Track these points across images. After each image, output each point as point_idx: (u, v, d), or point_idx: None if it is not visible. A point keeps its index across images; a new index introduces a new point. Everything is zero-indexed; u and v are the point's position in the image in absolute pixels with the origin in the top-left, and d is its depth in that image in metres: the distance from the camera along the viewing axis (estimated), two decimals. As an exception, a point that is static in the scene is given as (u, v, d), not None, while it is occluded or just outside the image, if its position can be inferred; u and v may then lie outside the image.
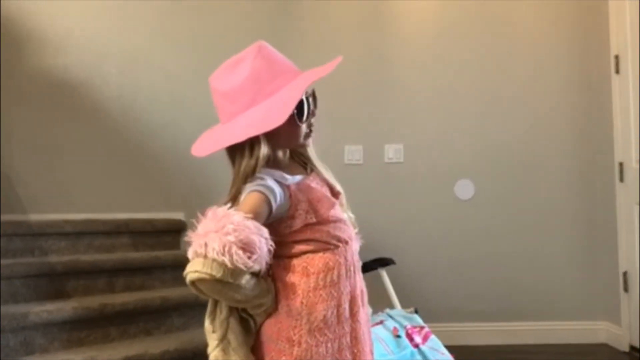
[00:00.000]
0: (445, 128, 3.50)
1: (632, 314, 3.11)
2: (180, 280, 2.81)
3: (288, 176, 1.30)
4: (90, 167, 3.34)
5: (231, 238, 1.08)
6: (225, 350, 1.27)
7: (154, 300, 2.55)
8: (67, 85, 3.37)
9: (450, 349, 2.22)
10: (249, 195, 1.21)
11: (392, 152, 3.49)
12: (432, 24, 3.57)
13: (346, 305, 1.30)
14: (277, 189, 1.24)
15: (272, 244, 1.16)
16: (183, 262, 3.11)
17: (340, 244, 1.33)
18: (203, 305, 2.65)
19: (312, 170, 1.42)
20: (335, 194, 1.40)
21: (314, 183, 1.36)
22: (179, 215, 3.25)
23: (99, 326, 2.35)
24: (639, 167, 3.07)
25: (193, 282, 1.13)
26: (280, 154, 1.37)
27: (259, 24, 3.50)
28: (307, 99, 1.33)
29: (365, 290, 1.39)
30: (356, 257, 1.39)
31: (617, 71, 3.23)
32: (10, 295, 2.32)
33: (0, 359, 2.06)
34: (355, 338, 1.31)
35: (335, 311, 1.28)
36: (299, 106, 1.30)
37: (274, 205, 1.22)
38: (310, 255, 1.30)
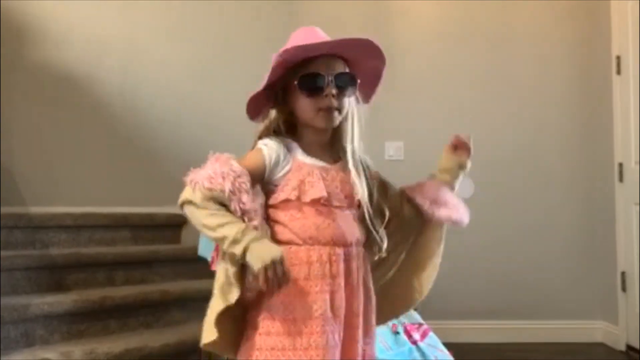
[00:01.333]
0: (445, 126, 3.49)
1: (630, 314, 3.12)
2: (180, 274, 2.83)
3: (301, 152, 1.36)
4: (91, 161, 3.34)
5: (203, 172, 1.29)
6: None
7: (153, 294, 2.56)
8: (68, 80, 3.37)
9: (449, 346, 2.23)
10: (252, 149, 1.36)
11: (393, 149, 3.49)
12: (434, 24, 3.58)
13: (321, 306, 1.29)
14: (279, 151, 1.33)
15: (246, 182, 1.26)
16: (183, 256, 3.13)
17: (316, 244, 1.31)
18: (203, 299, 2.65)
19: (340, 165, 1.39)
20: (350, 198, 1.36)
21: (325, 173, 1.35)
22: (178, 210, 3.25)
23: (99, 319, 2.37)
24: (639, 168, 3.08)
25: (182, 207, 1.32)
26: (309, 133, 1.39)
27: (262, 19, 3.50)
28: (322, 75, 1.32)
29: (363, 310, 1.35)
30: (355, 271, 1.34)
31: (619, 72, 3.24)
32: (11, 287, 2.33)
33: (0, 351, 2.07)
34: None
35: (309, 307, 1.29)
36: (308, 78, 1.33)
37: (268, 161, 1.32)
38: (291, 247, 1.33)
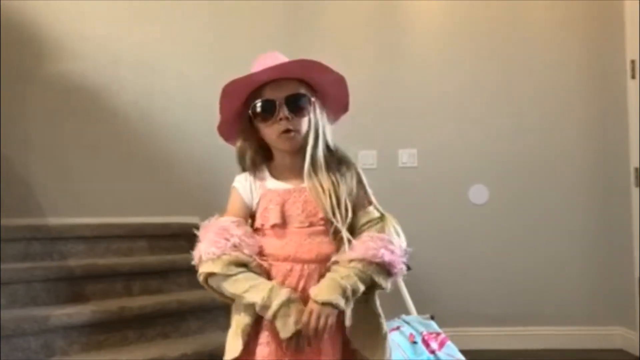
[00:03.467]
0: (459, 133, 3.50)
1: (648, 320, 3.09)
2: (196, 284, 2.85)
3: (270, 178, 1.46)
4: (108, 171, 3.38)
5: (205, 245, 1.40)
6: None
7: (170, 304, 2.57)
8: (84, 91, 3.42)
9: (466, 353, 2.22)
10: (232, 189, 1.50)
11: (406, 156, 3.49)
12: (446, 30, 3.58)
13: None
14: (246, 186, 1.46)
15: (247, 229, 1.40)
16: (198, 265, 3.10)
17: (277, 261, 1.38)
18: (219, 309, 2.68)
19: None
20: (313, 217, 1.40)
21: (288, 196, 1.41)
22: (194, 219, 3.26)
23: (117, 329, 2.38)
24: (655, 173, 3.06)
25: (205, 283, 1.42)
26: (278, 156, 1.48)
27: (272, 28, 3.52)
28: (271, 100, 1.39)
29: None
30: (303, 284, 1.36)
31: (633, 76, 3.21)
32: (30, 299, 2.36)
33: (21, 362, 2.10)
34: None
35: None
36: (259, 105, 1.41)
37: (246, 196, 1.45)
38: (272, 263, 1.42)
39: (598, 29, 3.47)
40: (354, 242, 1.38)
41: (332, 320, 1.31)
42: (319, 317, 1.29)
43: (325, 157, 1.45)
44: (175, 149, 3.46)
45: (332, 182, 1.43)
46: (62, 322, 2.22)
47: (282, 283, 1.35)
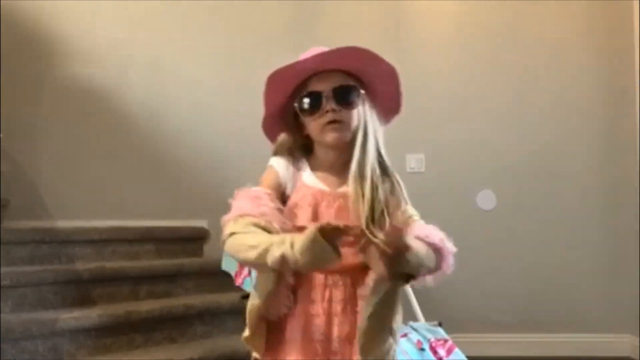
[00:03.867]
0: (467, 138, 3.49)
1: (658, 328, 3.07)
2: (203, 288, 2.84)
3: (308, 172, 1.36)
4: (116, 175, 3.40)
5: (235, 208, 1.27)
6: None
7: (177, 308, 2.58)
8: (94, 94, 3.44)
9: (473, 360, 2.21)
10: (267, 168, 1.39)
11: (414, 161, 3.48)
12: (454, 33, 3.57)
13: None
14: (286, 169, 1.36)
15: (277, 203, 1.29)
16: (206, 269, 3.15)
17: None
18: (226, 313, 2.68)
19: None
20: (344, 221, 1.23)
21: (321, 198, 1.31)
22: (202, 223, 3.28)
23: (124, 333, 2.38)
24: (665, 179, 3.04)
25: (224, 244, 1.28)
26: (321, 152, 1.37)
27: (280, 31, 3.52)
28: (318, 92, 1.31)
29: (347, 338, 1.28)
30: (339, 299, 1.29)
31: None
32: (38, 302, 2.37)
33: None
34: None
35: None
36: (305, 97, 1.32)
37: (282, 175, 1.35)
38: None
39: (609, 36, 3.45)
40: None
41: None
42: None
43: (373, 161, 1.34)
44: (184, 152, 3.47)
45: (374, 191, 1.32)
46: (69, 326, 2.22)
47: (309, 290, 1.29)
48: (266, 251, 1.16)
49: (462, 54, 3.55)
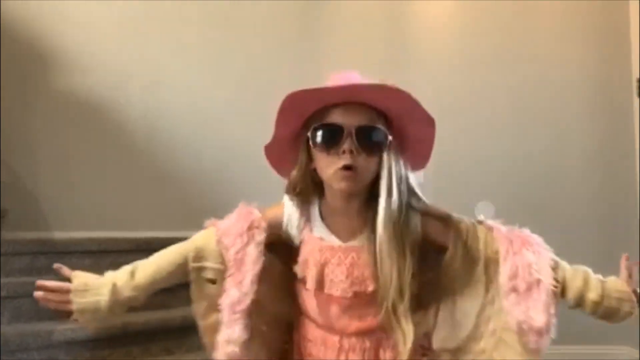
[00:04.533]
0: (465, 148, 3.49)
1: (655, 340, 3.06)
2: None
3: (318, 222, 1.22)
4: (115, 185, 3.39)
5: (224, 223, 1.26)
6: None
7: (175, 320, 2.57)
8: (92, 105, 3.44)
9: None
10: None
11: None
12: (451, 45, 3.59)
13: None
14: (295, 219, 1.24)
15: (260, 234, 1.19)
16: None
17: (314, 323, 1.23)
18: (224, 326, 2.62)
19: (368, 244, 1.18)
20: (360, 285, 1.16)
21: (331, 255, 1.18)
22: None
23: (121, 345, 2.38)
24: (662, 191, 3.05)
25: None
26: (331, 196, 1.21)
27: (280, 44, 3.54)
28: (339, 126, 1.14)
29: None
30: None
31: (639, 94, 3.22)
32: (35, 313, 2.35)
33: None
34: None
35: None
36: (322, 129, 1.16)
37: (286, 220, 1.24)
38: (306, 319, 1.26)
39: (604, 48, 3.48)
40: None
41: None
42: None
43: (399, 212, 1.16)
44: (183, 163, 3.47)
45: (401, 251, 1.15)
46: (65, 337, 2.22)
47: (323, 349, 1.20)
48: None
49: (459, 65, 3.56)
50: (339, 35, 3.60)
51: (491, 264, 1.20)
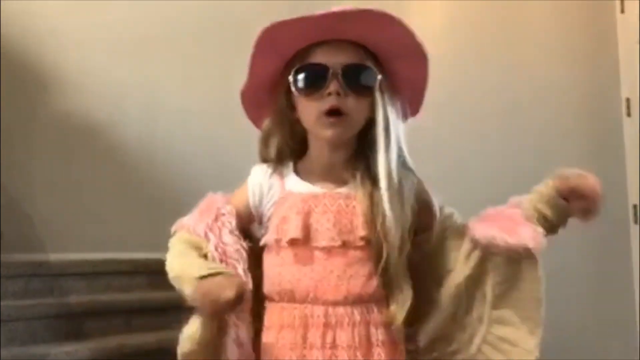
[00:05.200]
0: (455, 168, 3.51)
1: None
2: (196, 321, 2.74)
3: (294, 177, 1.10)
4: (110, 206, 3.40)
5: (187, 217, 1.22)
6: None
7: (170, 341, 2.55)
8: (88, 127, 3.46)
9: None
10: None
11: (406, 192, 3.49)
12: (442, 64, 3.63)
13: None
14: (263, 182, 1.13)
15: (230, 221, 1.10)
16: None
17: (290, 301, 1.04)
18: (220, 347, 2.61)
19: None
20: (350, 234, 1.03)
21: (315, 202, 1.05)
22: (194, 255, 3.27)
23: (116, 367, 2.38)
24: (654, 209, 3.08)
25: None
26: (315, 146, 1.10)
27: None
28: (323, 66, 1.04)
29: None
30: (346, 341, 1.00)
31: (629, 114, 3.26)
32: (29, 336, 2.34)
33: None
34: None
35: None
36: (305, 70, 1.06)
37: (252, 196, 1.15)
38: (268, 304, 1.10)
39: (593, 67, 3.53)
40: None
41: None
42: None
43: (395, 168, 1.08)
44: (177, 184, 3.48)
45: (402, 205, 1.05)
46: (61, 360, 2.21)
47: (304, 337, 1.01)
48: (181, 285, 1.02)
49: (448, 84, 3.57)
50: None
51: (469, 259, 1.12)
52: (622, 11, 3.33)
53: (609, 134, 3.42)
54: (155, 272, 3.08)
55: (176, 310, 2.93)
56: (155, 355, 2.49)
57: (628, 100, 3.27)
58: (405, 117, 1.16)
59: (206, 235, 1.09)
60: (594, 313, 3.37)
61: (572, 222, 3.53)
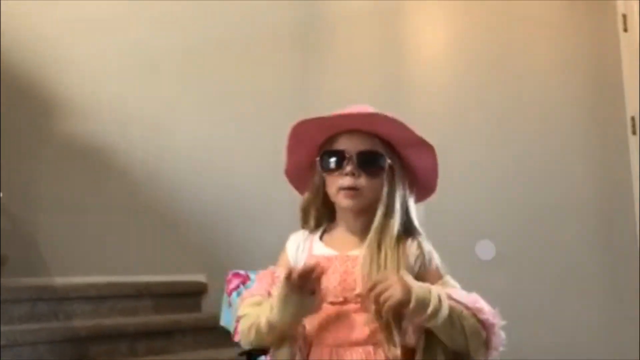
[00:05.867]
0: (464, 187, 3.51)
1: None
2: (201, 344, 2.82)
3: (318, 242, 1.33)
4: (115, 230, 3.39)
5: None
6: None
7: (175, 366, 2.55)
8: (93, 151, 3.47)
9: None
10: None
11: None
12: (448, 75, 3.63)
13: None
14: (296, 245, 1.35)
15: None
16: (204, 325, 3.12)
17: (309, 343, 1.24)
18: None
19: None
20: (350, 291, 1.24)
21: (328, 265, 1.25)
22: (200, 278, 3.27)
23: (121, 392, 2.36)
24: (661, 227, 3.06)
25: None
26: (339, 216, 1.34)
27: (283, 92, 3.55)
28: (342, 151, 1.29)
29: None
30: None
31: (634, 132, 3.26)
32: (35, 361, 2.34)
33: None
34: None
35: None
36: (328, 154, 1.30)
37: (292, 259, 1.34)
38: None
39: (597, 86, 3.53)
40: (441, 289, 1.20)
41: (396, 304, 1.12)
42: (387, 288, 1.13)
43: (395, 229, 1.29)
44: (184, 207, 3.48)
45: (396, 256, 1.27)
46: (65, 386, 2.20)
47: None
48: (258, 325, 1.20)
49: (456, 99, 3.58)
50: (340, 69, 3.63)
51: None
52: (625, 30, 3.34)
53: (615, 151, 3.41)
54: (160, 295, 3.10)
55: (180, 334, 2.93)
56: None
57: (633, 118, 3.25)
58: (419, 197, 1.40)
59: (269, 293, 1.27)
60: (601, 324, 3.34)
61: (580, 240, 3.50)
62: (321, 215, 1.36)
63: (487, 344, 1.25)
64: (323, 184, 1.33)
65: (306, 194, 1.37)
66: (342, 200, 1.29)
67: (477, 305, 1.26)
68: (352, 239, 1.32)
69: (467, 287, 3.57)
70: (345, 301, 1.24)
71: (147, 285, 3.07)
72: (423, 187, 1.41)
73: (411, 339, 1.19)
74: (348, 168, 1.27)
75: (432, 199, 3.63)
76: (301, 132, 1.32)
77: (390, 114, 1.30)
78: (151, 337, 2.73)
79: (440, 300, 1.17)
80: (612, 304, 3.37)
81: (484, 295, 3.51)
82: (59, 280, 3.10)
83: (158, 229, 3.43)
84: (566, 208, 3.46)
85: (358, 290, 1.23)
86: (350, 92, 3.66)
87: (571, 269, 3.42)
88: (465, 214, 3.49)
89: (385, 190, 1.29)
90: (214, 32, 3.59)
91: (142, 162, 3.49)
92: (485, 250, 3.45)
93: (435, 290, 1.20)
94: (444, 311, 1.16)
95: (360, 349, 1.21)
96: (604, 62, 3.52)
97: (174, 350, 2.77)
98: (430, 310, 1.14)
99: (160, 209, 3.45)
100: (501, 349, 1.29)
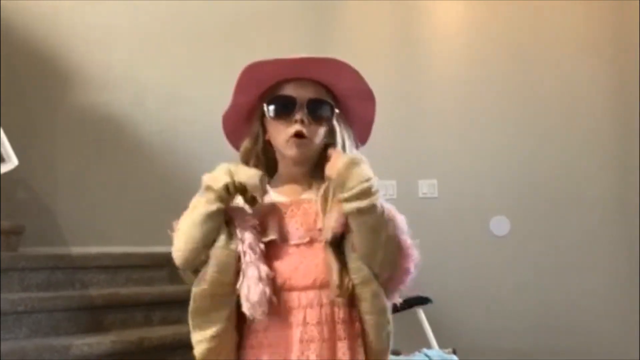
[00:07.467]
0: (480, 163, 3.49)
1: (678, 356, 3.00)
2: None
3: (269, 191, 1.29)
4: (131, 201, 3.43)
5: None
6: None
7: (190, 335, 2.56)
8: (109, 121, 3.49)
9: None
10: None
11: (426, 187, 3.48)
12: (467, 58, 3.60)
13: None
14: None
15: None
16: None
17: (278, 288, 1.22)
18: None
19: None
20: (314, 231, 1.25)
21: (286, 210, 1.27)
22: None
23: (137, 360, 2.39)
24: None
25: None
26: (283, 163, 1.33)
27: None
28: (293, 98, 1.27)
29: None
30: (316, 322, 1.21)
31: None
32: (51, 328, 2.38)
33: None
34: None
35: None
36: (277, 100, 1.29)
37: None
38: None
39: (620, 73, 3.45)
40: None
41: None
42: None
43: None
44: (198, 178, 3.47)
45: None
46: (82, 352, 2.23)
47: (287, 313, 1.22)
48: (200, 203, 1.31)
49: (474, 80, 3.57)
50: (352, 44, 3.60)
51: None
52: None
53: (636, 140, 3.36)
54: (174, 265, 3.12)
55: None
56: (176, 349, 2.51)
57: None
58: (355, 146, 1.38)
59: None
60: (621, 306, 3.32)
61: (601, 218, 3.47)
62: (260, 164, 1.34)
63: (398, 262, 1.25)
64: (263, 132, 1.33)
65: (245, 142, 1.37)
66: (291, 148, 1.28)
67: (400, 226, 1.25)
68: (297, 188, 1.32)
69: (482, 262, 3.59)
70: (312, 240, 1.25)
71: (163, 256, 3.08)
72: (357, 138, 1.39)
73: (337, 229, 1.20)
74: (298, 115, 1.26)
75: (449, 172, 3.63)
76: (253, 74, 1.30)
77: (346, 61, 1.29)
78: (166, 307, 2.76)
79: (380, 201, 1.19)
80: (630, 277, 3.35)
81: (497, 269, 3.54)
82: (76, 250, 3.14)
83: (174, 199, 3.44)
84: (585, 184, 3.42)
85: (320, 225, 1.24)
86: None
87: (588, 245, 3.39)
88: (481, 189, 3.47)
89: (339, 137, 1.31)
90: (230, 5, 3.57)
91: (159, 132, 3.50)
92: (500, 225, 3.43)
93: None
94: (379, 208, 1.18)
95: (325, 294, 1.22)
96: (629, 50, 3.44)
97: (188, 320, 2.79)
98: (371, 199, 1.16)
99: (177, 179, 3.47)
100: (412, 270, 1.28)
